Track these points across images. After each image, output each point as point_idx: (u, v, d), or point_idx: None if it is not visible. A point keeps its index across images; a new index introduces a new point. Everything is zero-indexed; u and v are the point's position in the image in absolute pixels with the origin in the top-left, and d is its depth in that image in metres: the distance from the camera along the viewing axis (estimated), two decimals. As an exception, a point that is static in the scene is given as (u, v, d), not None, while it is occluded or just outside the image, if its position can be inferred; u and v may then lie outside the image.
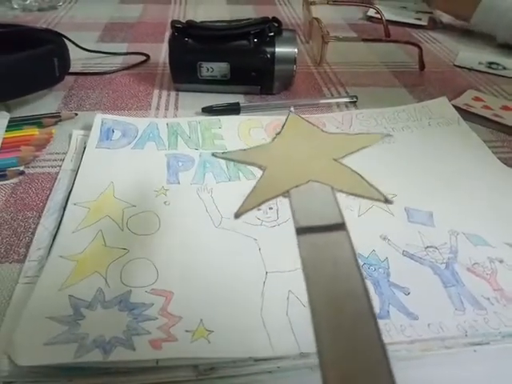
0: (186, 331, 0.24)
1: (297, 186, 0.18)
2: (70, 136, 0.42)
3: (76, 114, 0.46)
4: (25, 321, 0.23)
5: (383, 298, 0.27)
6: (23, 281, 0.27)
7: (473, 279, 0.29)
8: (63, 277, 0.26)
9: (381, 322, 0.25)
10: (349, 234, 0.16)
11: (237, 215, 0.19)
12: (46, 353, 0.21)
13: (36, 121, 0.43)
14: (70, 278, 0.26)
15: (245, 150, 0.22)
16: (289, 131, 0.23)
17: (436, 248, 0.31)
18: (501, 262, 0.30)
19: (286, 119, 0.23)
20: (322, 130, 0.23)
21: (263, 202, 0.18)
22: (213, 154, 0.24)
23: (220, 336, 0.24)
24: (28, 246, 0.30)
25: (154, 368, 0.22)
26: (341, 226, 0.16)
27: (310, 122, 0.23)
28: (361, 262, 0.30)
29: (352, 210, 0.34)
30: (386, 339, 0.24)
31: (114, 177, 0.36)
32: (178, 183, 0.36)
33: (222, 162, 0.39)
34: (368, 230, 0.32)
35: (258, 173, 0.37)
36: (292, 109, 0.25)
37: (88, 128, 0.43)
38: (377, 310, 0.26)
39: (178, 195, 0.35)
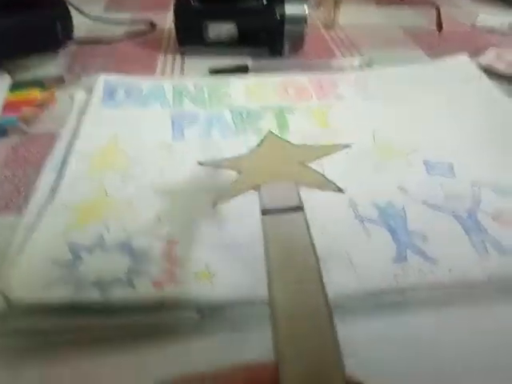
0: (190, 273, 0.22)
1: (266, 183, 0.22)
2: (73, 98, 0.41)
3: (80, 78, 0.45)
4: (22, 262, 0.22)
5: (400, 245, 0.25)
6: (22, 230, 0.26)
7: (498, 227, 0.27)
8: (63, 223, 0.25)
9: (397, 266, 0.24)
10: (305, 215, 0.18)
11: (213, 204, 0.23)
12: (42, 291, 0.20)
13: (38, 83, 0.42)
14: (69, 224, 0.25)
15: (227, 158, 0.26)
16: (265, 145, 0.27)
17: (457, 198, 0.29)
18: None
19: (265, 136, 0.28)
20: (293, 144, 0.27)
21: (236, 195, 0.22)
22: (199, 163, 0.27)
23: (224, 279, 0.22)
24: (28, 198, 0.29)
25: (156, 308, 0.21)
26: (299, 208, 0.18)
27: (284, 139, 0.28)
28: (377, 212, 0.28)
29: (366, 162, 0.32)
30: (403, 283, 0.23)
31: (118, 132, 0.35)
32: (184, 139, 0.35)
33: (229, 117, 0.37)
34: (385, 182, 0.31)
35: (266, 128, 0.35)
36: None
37: (92, 91, 0.42)
38: (393, 254, 0.24)
39: (183, 149, 0.33)
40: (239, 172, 0.24)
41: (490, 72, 0.46)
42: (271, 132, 0.29)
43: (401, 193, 0.29)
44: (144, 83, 0.42)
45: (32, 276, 0.21)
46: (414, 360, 0.21)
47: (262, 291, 0.21)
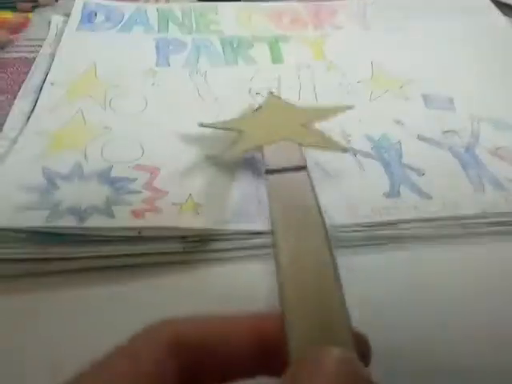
0: (173, 204, 0.21)
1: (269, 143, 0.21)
2: (50, 22, 0.38)
3: (56, 1, 0.41)
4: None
5: (394, 178, 0.24)
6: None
7: (496, 162, 0.26)
8: (37, 150, 0.24)
9: (390, 201, 0.23)
10: (309, 174, 0.18)
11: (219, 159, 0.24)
12: (15, 217, 0.19)
13: (10, 5, 0.39)
14: (44, 151, 0.24)
15: (227, 120, 0.26)
16: (267, 107, 0.26)
17: (455, 132, 0.28)
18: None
19: (266, 99, 0.27)
20: (295, 106, 0.26)
21: (238, 154, 0.23)
22: (199, 125, 0.25)
23: (211, 209, 0.21)
24: (2, 126, 0.27)
25: (137, 238, 0.20)
26: (303, 168, 0.18)
27: (286, 101, 0.27)
28: (370, 145, 0.27)
29: (360, 95, 0.30)
30: (395, 217, 0.22)
31: (96, 58, 0.32)
32: (168, 66, 0.32)
33: (219, 45, 0.35)
34: (380, 115, 0.29)
35: (259, 58, 0.33)
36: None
37: (70, 15, 0.38)
38: (386, 189, 0.24)
39: (168, 77, 0.31)
40: (240, 132, 0.24)
41: (498, 3, 0.43)
42: (273, 94, 0.28)
43: (397, 126, 0.28)
44: (126, 7, 0.39)
45: (3, 201, 0.20)
46: (407, 295, 0.20)
47: (249, 225, 0.21)
